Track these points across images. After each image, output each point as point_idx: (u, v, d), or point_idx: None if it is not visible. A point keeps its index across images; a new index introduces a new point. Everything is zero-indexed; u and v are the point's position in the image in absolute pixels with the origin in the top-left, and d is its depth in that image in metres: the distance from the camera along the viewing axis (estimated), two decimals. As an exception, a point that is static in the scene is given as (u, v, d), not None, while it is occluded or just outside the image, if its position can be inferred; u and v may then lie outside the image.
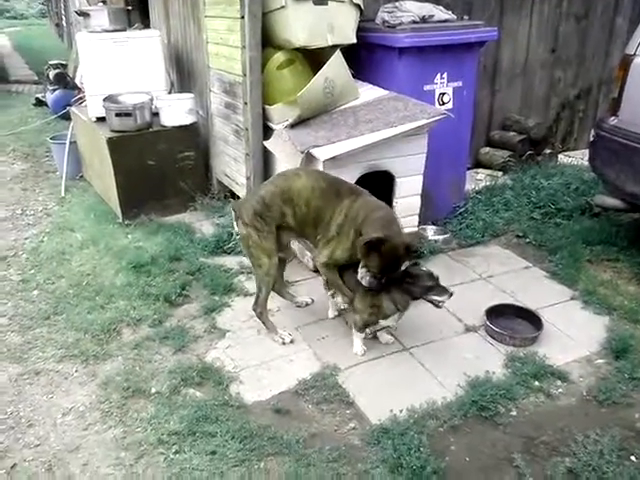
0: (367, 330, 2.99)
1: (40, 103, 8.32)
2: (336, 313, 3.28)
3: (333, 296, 3.18)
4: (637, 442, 2.45)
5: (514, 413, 2.63)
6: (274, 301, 3.46)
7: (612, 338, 3.08)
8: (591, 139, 3.94)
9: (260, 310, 3.13)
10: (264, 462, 2.36)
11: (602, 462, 2.30)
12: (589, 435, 2.46)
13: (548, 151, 5.44)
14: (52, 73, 7.55)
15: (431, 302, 2.83)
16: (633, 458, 2.37)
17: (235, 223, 3.08)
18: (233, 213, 3.10)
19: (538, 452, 2.43)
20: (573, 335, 3.15)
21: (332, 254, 2.92)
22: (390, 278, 2.77)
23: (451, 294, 2.80)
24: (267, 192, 2.99)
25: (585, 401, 2.71)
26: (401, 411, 2.60)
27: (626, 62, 3.62)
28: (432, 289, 2.80)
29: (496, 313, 3.25)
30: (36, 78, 10.34)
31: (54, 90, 7.45)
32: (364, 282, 2.79)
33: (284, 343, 3.09)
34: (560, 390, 2.77)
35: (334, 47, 3.78)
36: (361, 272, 2.79)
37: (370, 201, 2.91)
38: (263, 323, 3.16)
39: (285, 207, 2.95)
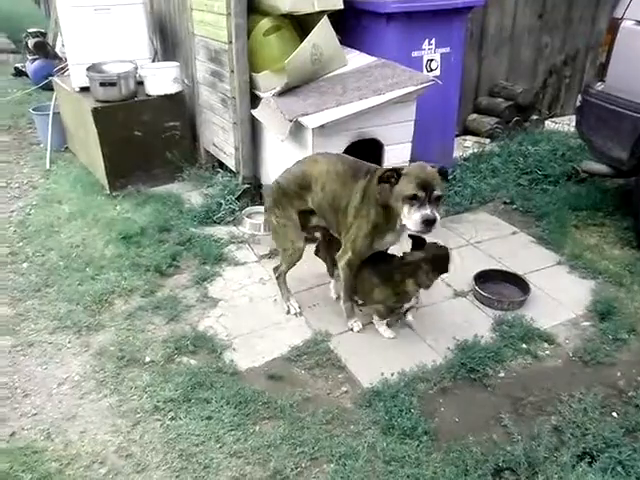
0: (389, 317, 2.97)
1: (20, 73, 8.10)
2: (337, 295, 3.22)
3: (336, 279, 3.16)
4: (618, 399, 2.55)
5: (502, 374, 2.70)
6: (265, 269, 3.49)
7: (597, 301, 3.15)
8: (578, 105, 3.95)
9: (278, 274, 3.16)
10: (259, 426, 2.42)
11: (585, 419, 2.39)
12: (574, 394, 2.54)
13: (535, 117, 5.45)
14: (31, 42, 7.35)
15: None
16: (614, 414, 2.46)
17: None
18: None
19: (525, 412, 2.50)
20: (560, 298, 3.22)
21: (354, 245, 2.77)
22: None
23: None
24: (283, 179, 2.99)
25: (571, 362, 2.78)
26: (392, 374, 2.67)
27: (614, 26, 3.60)
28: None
29: (484, 278, 3.31)
30: (14, 47, 10.05)
31: (34, 60, 7.27)
32: (420, 219, 2.44)
33: (288, 312, 3.12)
34: (547, 352, 2.84)
35: (321, 13, 3.72)
36: (409, 213, 2.48)
37: None
38: (279, 287, 3.18)
39: (304, 193, 2.91)
